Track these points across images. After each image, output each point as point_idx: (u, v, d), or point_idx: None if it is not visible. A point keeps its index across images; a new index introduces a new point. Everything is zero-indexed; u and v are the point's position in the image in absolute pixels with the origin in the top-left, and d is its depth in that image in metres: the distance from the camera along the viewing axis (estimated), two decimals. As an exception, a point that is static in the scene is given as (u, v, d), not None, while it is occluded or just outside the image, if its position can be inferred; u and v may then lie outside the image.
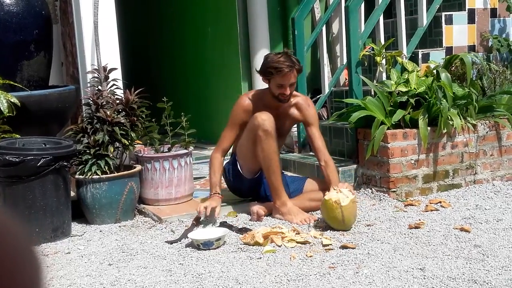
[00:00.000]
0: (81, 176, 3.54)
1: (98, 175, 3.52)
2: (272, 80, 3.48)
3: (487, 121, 4.06)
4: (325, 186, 3.64)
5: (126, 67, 4.61)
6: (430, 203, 3.66)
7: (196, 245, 3.03)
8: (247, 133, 3.48)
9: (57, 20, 4.68)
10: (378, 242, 3.00)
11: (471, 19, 4.84)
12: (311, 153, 4.55)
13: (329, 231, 3.20)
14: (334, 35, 5.37)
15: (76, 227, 3.55)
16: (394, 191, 3.80)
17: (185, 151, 3.86)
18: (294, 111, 3.65)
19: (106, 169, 3.54)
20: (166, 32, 6.96)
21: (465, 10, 4.84)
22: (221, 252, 2.97)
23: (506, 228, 3.08)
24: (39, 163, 3.22)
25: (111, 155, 3.57)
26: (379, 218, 3.36)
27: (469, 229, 3.09)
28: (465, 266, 2.60)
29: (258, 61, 5.34)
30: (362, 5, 4.80)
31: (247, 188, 3.68)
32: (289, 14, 5.40)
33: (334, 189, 3.20)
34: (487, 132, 4.03)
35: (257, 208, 3.48)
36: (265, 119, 3.39)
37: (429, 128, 3.83)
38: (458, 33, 4.78)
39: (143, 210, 3.75)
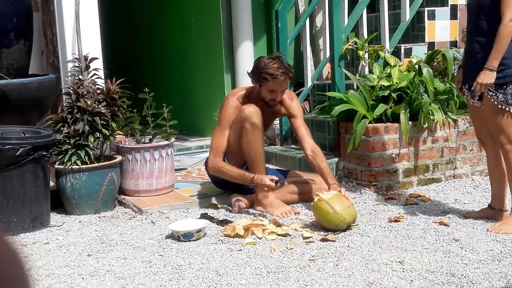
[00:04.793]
0: (60, 166, 3.50)
1: (78, 165, 3.48)
2: (264, 85, 3.44)
3: (468, 117, 4.09)
4: (307, 179, 3.64)
5: (108, 56, 4.56)
6: (410, 197, 3.68)
7: (177, 237, 3.02)
8: (234, 125, 3.46)
9: (38, 8, 4.61)
10: (358, 235, 3.01)
11: (453, 15, 4.87)
12: (293, 146, 4.56)
13: (311, 223, 3.20)
14: (317, 29, 5.37)
15: (55, 218, 3.52)
16: (375, 185, 3.82)
17: (167, 142, 3.83)
18: (278, 106, 3.63)
19: (86, 159, 3.51)
20: (149, 22, 6.91)
21: (447, 6, 4.87)
22: (201, 243, 2.96)
23: (484, 223, 3.11)
24: (18, 152, 3.18)
25: (92, 145, 3.54)
26: (360, 212, 3.38)
27: (448, 223, 3.11)
28: (443, 259, 2.63)
29: (241, 53, 5.33)
30: (346, -1, 4.81)
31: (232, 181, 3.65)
32: (272, 6, 5.38)
33: (318, 195, 3.14)
34: (467, 127, 4.06)
35: (239, 200, 3.48)
36: (253, 111, 3.37)
37: (410, 122, 3.86)
38: (440, 29, 4.81)
39: (123, 201, 3.73)
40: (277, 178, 3.33)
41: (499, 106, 2.90)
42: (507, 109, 2.90)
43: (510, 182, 3.03)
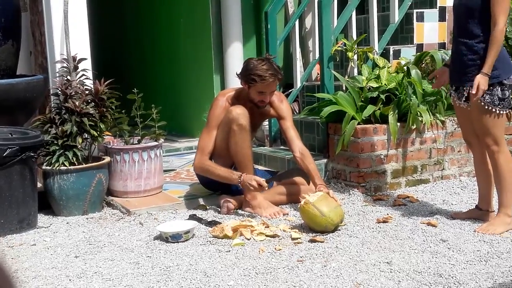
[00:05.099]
0: (48, 167, 3.48)
1: (66, 166, 3.47)
2: (253, 87, 3.44)
3: (456, 118, 4.11)
4: (296, 180, 3.65)
5: (96, 57, 4.54)
6: (398, 198, 3.70)
7: (165, 238, 3.01)
8: (221, 126, 3.46)
9: (26, 8, 4.58)
10: (347, 236, 3.02)
11: (442, 17, 4.90)
12: (282, 147, 4.56)
13: (299, 225, 3.20)
14: (307, 30, 5.37)
15: (42, 219, 3.50)
16: (364, 186, 3.83)
17: (155, 143, 3.82)
18: (267, 108, 3.63)
19: (74, 160, 3.49)
20: (138, 23, 6.89)
21: (436, 8, 4.90)
22: (189, 245, 2.95)
23: (471, 223, 3.13)
24: (5, 153, 3.16)
25: (80, 146, 3.53)
26: (348, 212, 3.38)
27: (436, 224, 3.13)
28: (431, 260, 2.64)
29: (230, 54, 5.33)
30: (335, 1, 4.82)
31: (220, 182, 3.64)
32: (262, 7, 5.38)
33: (304, 197, 3.14)
34: (455, 129, 4.09)
35: (227, 201, 3.48)
36: (240, 113, 3.37)
37: (398, 123, 3.87)
38: (429, 31, 4.84)
39: (111, 202, 3.71)
40: (265, 184, 3.33)
41: (486, 107, 2.92)
42: (493, 110, 2.92)
43: (497, 183, 3.05)
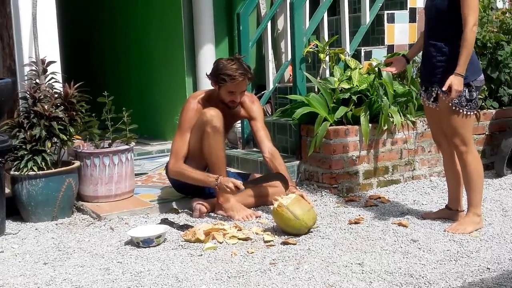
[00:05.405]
0: (16, 172, 3.42)
1: (35, 171, 3.41)
2: (223, 87, 3.44)
3: (426, 119, 4.15)
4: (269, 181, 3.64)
5: (66, 60, 4.48)
6: (370, 199, 3.72)
7: (136, 243, 2.98)
8: (195, 129, 3.44)
9: (-7, 10, 4.50)
10: (319, 237, 3.02)
11: (412, 18, 4.95)
12: (254, 149, 4.55)
13: (272, 227, 3.20)
14: (279, 31, 5.38)
15: (10, 225, 3.43)
16: (336, 187, 3.85)
17: (126, 146, 3.79)
18: (238, 109, 3.62)
19: (43, 165, 3.44)
20: (109, 24, 6.81)
21: (406, 9, 4.95)
22: (161, 249, 2.93)
23: (441, 223, 3.16)
24: (-29, 158, 3.09)
25: (49, 150, 3.47)
26: (320, 214, 3.39)
27: (407, 224, 3.15)
28: (402, 260, 2.66)
29: (202, 56, 5.31)
30: (307, 2, 4.84)
31: (193, 185, 3.61)
32: (234, 9, 5.37)
33: (277, 200, 3.13)
34: (425, 129, 4.13)
35: (200, 204, 3.46)
36: (214, 115, 3.36)
37: (370, 125, 3.90)
38: (400, 32, 4.88)
39: (81, 207, 3.67)
40: (242, 186, 3.32)
41: (453, 108, 2.95)
42: (461, 111, 2.95)
43: (465, 183, 3.09)
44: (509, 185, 3.96)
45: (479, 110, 4.28)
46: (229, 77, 3.39)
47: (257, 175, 3.79)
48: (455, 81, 2.86)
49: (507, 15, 4.64)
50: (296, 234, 3.05)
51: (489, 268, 2.53)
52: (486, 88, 4.33)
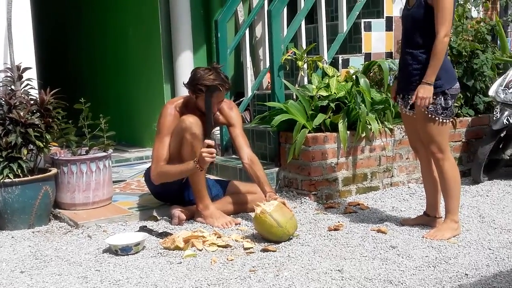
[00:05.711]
0: (-9, 180, 3.37)
1: (11, 178, 3.36)
2: (201, 96, 3.43)
3: (403, 126, 4.20)
4: (248, 188, 3.64)
5: (42, 66, 4.43)
6: (349, 205, 3.74)
7: (114, 251, 2.94)
8: (174, 135, 3.42)
9: (-32, 15, 4.43)
10: (299, 244, 3.02)
11: (388, 27, 5.01)
12: (234, 156, 4.55)
13: (252, 234, 3.19)
14: (257, 39, 5.40)
15: (-15, 234, 3.38)
16: (315, 194, 3.86)
17: (104, 153, 3.75)
18: (217, 115, 3.62)
19: (19, 172, 3.39)
20: (86, 31, 6.76)
21: (383, 18, 5.00)
22: (140, 257, 2.90)
23: (420, 229, 3.19)
24: None
25: (25, 157, 3.42)
26: (300, 221, 3.39)
27: (386, 231, 3.17)
28: (381, 266, 2.67)
29: (180, 63, 5.29)
30: (285, 10, 4.86)
31: (172, 192, 3.59)
32: (212, 16, 5.38)
33: (259, 206, 3.13)
34: (403, 136, 4.17)
35: (179, 211, 3.43)
36: (193, 122, 3.35)
37: (348, 132, 3.92)
38: (377, 40, 4.93)
39: (58, 215, 3.62)
40: (212, 142, 3.34)
41: (430, 116, 2.99)
42: (437, 118, 2.99)
43: (443, 190, 3.12)
44: (485, 191, 4.02)
45: (455, 117, 4.35)
46: (206, 88, 3.38)
47: (236, 182, 3.78)
48: (420, 90, 2.92)
49: (481, 24, 4.72)
50: (276, 241, 3.05)
51: (467, 274, 2.56)
52: (462, 96, 4.40)
